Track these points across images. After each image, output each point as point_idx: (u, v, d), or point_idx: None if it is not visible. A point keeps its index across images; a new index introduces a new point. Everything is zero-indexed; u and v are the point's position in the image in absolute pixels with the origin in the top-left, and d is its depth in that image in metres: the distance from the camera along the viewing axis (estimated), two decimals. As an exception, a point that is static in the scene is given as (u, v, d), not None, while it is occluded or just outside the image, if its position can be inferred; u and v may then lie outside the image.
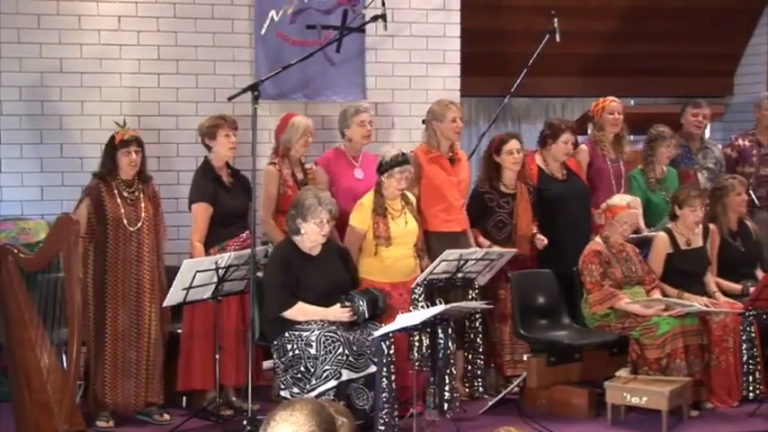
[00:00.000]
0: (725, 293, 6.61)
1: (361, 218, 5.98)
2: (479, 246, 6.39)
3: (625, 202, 6.39)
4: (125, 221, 5.81)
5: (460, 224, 6.47)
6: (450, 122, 6.43)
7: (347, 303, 5.54)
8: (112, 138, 5.89)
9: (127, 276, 5.84)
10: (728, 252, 6.75)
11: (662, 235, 6.59)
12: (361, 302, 5.53)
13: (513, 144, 6.54)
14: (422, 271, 5.99)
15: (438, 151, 6.44)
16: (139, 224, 5.85)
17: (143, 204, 5.90)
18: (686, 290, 6.46)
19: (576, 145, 6.87)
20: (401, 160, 5.93)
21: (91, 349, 5.84)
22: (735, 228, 6.82)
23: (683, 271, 6.54)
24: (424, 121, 6.61)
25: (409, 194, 6.15)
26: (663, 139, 7.09)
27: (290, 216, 5.71)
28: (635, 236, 6.67)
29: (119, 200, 5.83)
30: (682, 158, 7.44)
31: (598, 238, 6.39)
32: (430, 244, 6.29)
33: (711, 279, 6.67)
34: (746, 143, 7.72)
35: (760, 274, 6.70)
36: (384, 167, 5.94)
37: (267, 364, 6.18)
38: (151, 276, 5.89)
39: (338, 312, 5.53)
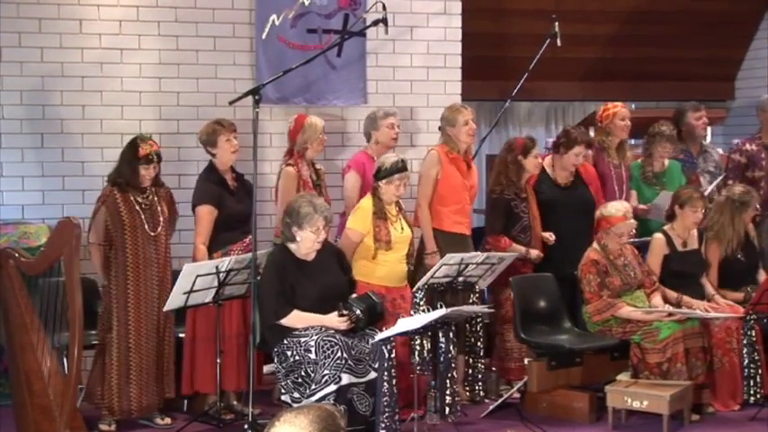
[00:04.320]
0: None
1: (360, 221, 5.99)
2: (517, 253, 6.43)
3: (621, 213, 6.29)
4: (146, 226, 5.86)
5: (468, 228, 6.55)
6: (462, 126, 6.46)
7: (345, 312, 5.53)
8: (135, 148, 5.86)
9: (149, 280, 5.88)
10: (731, 262, 6.69)
11: (658, 236, 6.58)
12: (358, 311, 5.52)
13: (537, 149, 6.64)
14: (409, 279, 6.06)
15: (458, 154, 6.48)
16: (159, 228, 5.91)
17: (159, 207, 5.95)
18: (683, 292, 6.45)
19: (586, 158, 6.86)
20: (401, 167, 5.96)
21: (110, 355, 5.86)
22: (742, 240, 6.72)
23: (681, 273, 6.52)
24: (440, 128, 6.65)
25: (401, 202, 6.18)
26: (660, 138, 7.11)
27: (284, 224, 5.71)
28: (635, 240, 6.66)
29: (137, 207, 5.86)
30: (683, 163, 7.42)
31: (596, 245, 6.36)
32: (439, 243, 6.31)
33: (708, 281, 6.65)
34: (754, 147, 7.55)
35: (761, 276, 6.67)
36: (383, 174, 5.95)
37: (267, 368, 6.18)
38: (166, 278, 5.94)
39: (335, 321, 5.52)
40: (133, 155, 5.86)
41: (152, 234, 5.89)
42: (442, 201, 6.41)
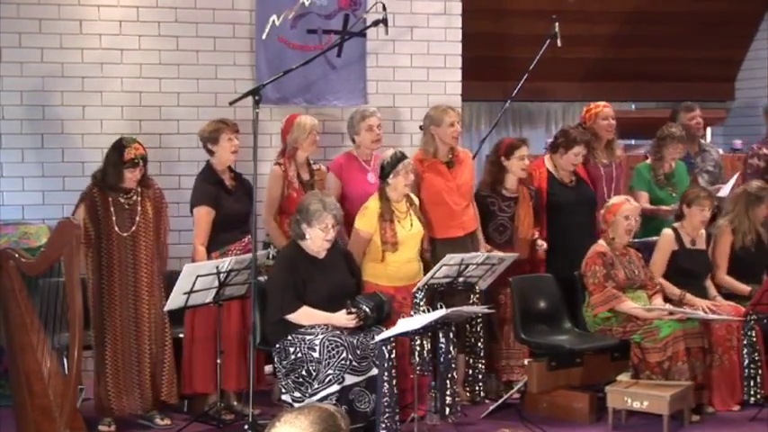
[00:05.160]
0: (733, 295, 6.61)
1: (367, 221, 5.98)
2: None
3: (623, 198, 6.45)
4: (116, 228, 5.81)
5: (463, 228, 6.43)
6: (448, 127, 6.41)
7: (353, 310, 5.54)
8: (120, 151, 5.81)
9: (124, 281, 5.84)
10: (744, 252, 6.69)
11: (667, 232, 6.59)
12: (366, 309, 5.53)
13: (523, 150, 6.54)
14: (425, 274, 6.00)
15: (435, 157, 6.44)
16: (133, 228, 5.85)
17: (140, 208, 5.88)
18: (686, 290, 6.46)
19: (585, 159, 6.83)
20: (400, 156, 5.95)
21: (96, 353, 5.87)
22: (754, 234, 6.75)
23: (686, 270, 6.53)
24: (421, 127, 6.60)
25: (413, 196, 6.16)
26: (671, 140, 7.08)
27: (294, 221, 5.71)
28: (637, 240, 6.66)
29: (112, 208, 5.81)
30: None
31: (602, 241, 6.38)
32: (434, 250, 6.29)
33: (711, 284, 6.65)
34: None
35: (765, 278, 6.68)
36: (387, 169, 5.95)
37: (269, 368, 6.18)
38: (149, 280, 5.89)
39: (343, 319, 5.52)
40: (118, 158, 5.81)
41: (123, 235, 5.81)
42: (427, 209, 6.34)
